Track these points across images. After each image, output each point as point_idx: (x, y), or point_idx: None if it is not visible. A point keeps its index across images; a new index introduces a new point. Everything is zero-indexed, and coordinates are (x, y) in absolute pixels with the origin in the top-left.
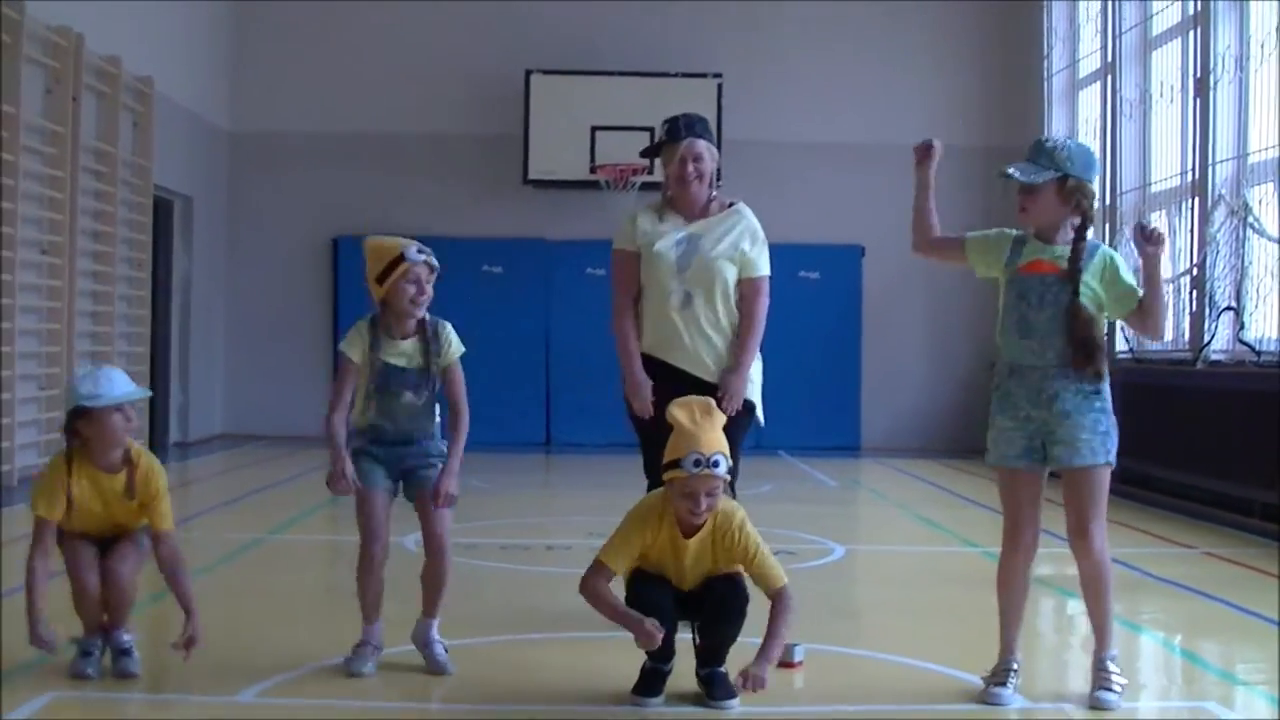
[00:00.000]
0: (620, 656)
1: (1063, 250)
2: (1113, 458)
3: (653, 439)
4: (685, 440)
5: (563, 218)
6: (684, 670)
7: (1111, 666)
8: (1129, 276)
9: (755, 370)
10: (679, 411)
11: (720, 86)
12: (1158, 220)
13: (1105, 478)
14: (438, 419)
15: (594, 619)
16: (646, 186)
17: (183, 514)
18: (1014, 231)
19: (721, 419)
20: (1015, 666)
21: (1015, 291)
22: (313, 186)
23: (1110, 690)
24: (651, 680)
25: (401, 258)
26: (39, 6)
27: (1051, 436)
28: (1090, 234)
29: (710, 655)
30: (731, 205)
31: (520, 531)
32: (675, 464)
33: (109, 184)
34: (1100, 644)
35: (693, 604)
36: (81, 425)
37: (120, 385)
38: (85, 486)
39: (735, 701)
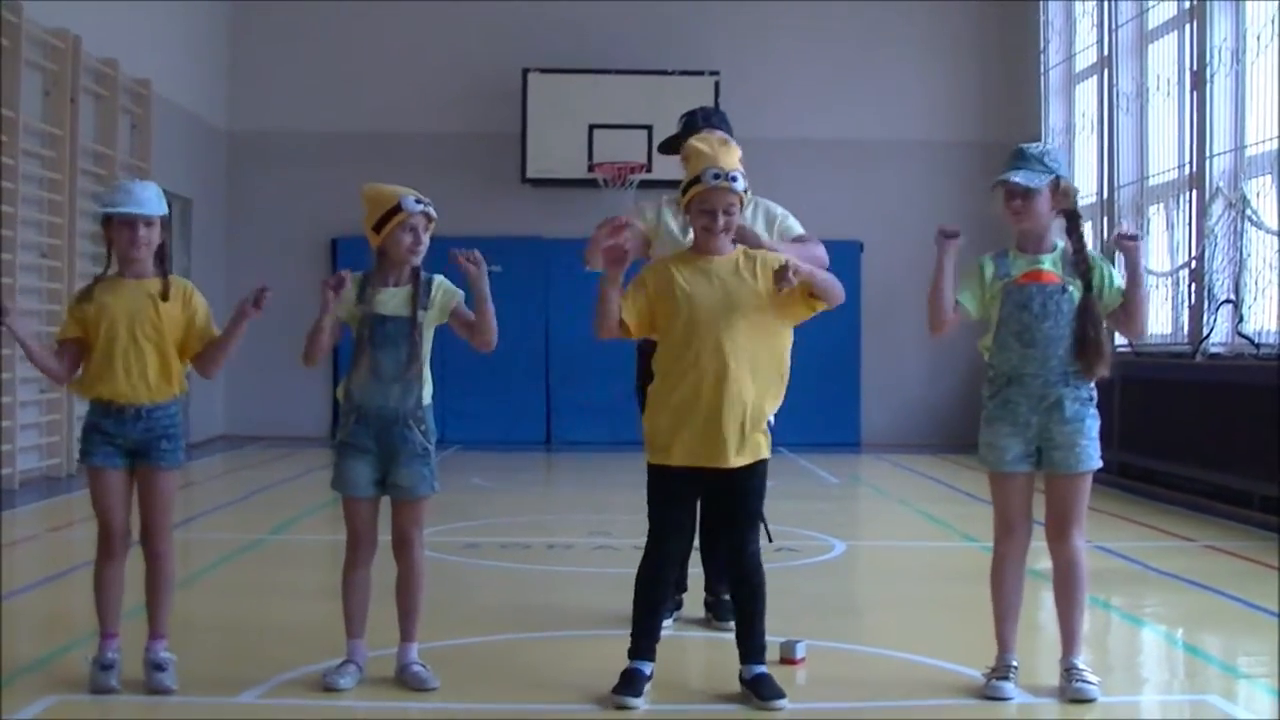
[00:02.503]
0: (623, 655)
1: (1053, 258)
2: (1100, 461)
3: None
4: (703, 160)
5: (561, 216)
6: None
7: (1082, 667)
8: (1115, 273)
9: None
10: (698, 141)
11: (717, 84)
12: (1155, 214)
13: (1090, 482)
14: (429, 399)
15: (595, 618)
16: (645, 184)
17: (184, 515)
18: (988, 255)
19: (739, 152)
20: (1015, 664)
21: (1014, 303)
22: (311, 186)
23: (1087, 682)
24: (633, 681)
25: (399, 207)
26: (37, 9)
27: (1051, 442)
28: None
29: (749, 649)
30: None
31: (521, 530)
32: (695, 181)
33: (108, 186)
34: (1071, 649)
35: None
36: (107, 231)
37: (143, 201)
38: (111, 292)
39: (784, 701)
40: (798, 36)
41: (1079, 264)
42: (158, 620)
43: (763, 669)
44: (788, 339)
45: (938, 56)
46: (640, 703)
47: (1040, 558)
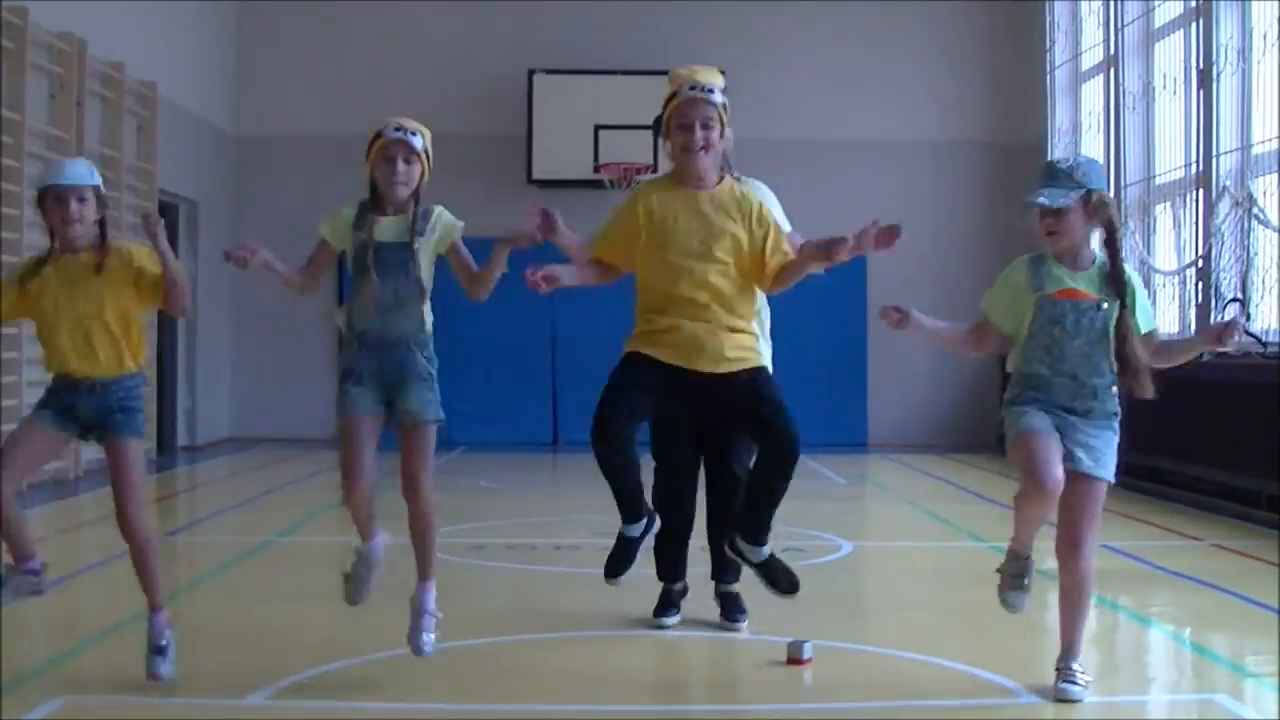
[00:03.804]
0: (630, 656)
1: (1089, 275)
2: (1115, 478)
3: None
4: (679, 78)
5: (567, 217)
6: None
7: (1075, 668)
8: (1147, 306)
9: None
10: (679, 67)
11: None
12: (1162, 213)
13: (1104, 496)
14: (430, 326)
15: (602, 619)
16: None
17: (191, 517)
18: (1024, 259)
19: (721, 79)
20: (1031, 564)
21: (1046, 316)
22: (318, 189)
23: (1074, 683)
24: (624, 549)
25: (379, 134)
26: (42, 13)
27: (1078, 440)
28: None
29: (754, 526)
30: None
31: (528, 531)
32: (672, 97)
33: (114, 189)
34: (1070, 654)
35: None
36: (43, 209)
37: (71, 173)
38: (50, 273)
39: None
40: (803, 36)
41: (1115, 280)
42: (152, 592)
43: (762, 551)
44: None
45: (943, 56)
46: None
47: (1047, 558)
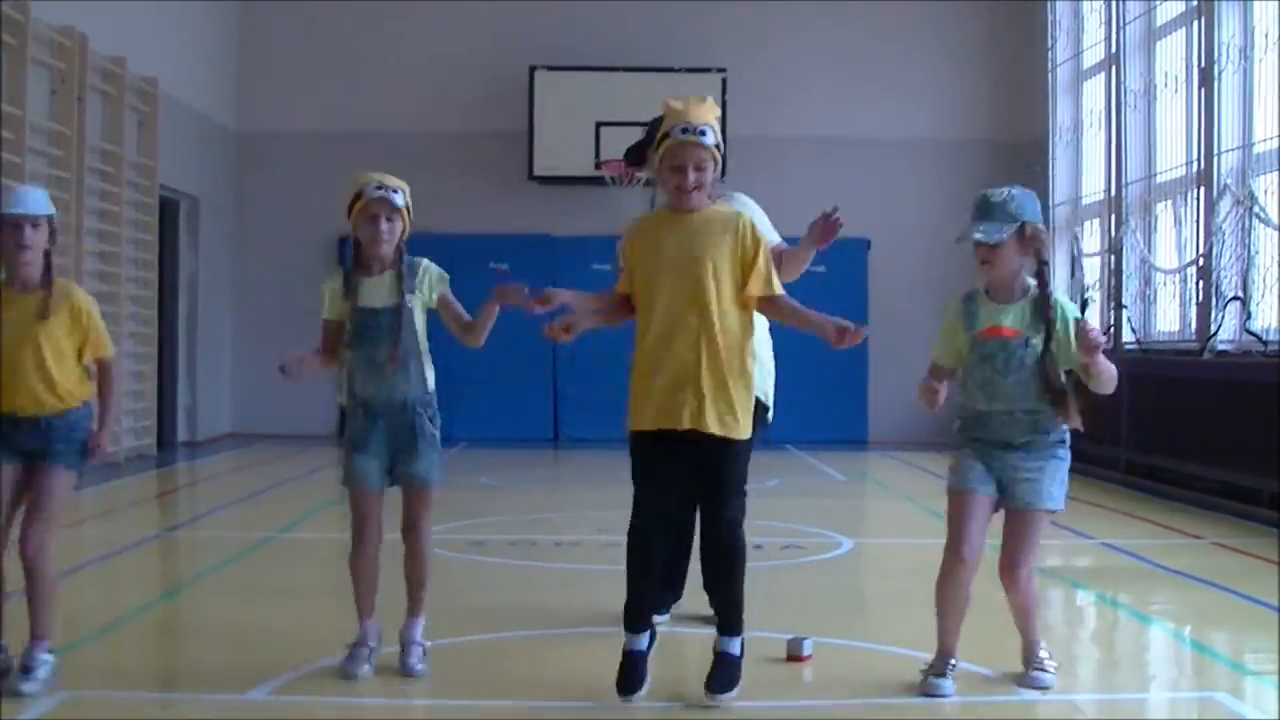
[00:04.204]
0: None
1: (1018, 310)
2: (1063, 505)
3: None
4: (674, 117)
5: (568, 214)
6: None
7: (1044, 654)
8: (1070, 335)
9: (768, 369)
10: (672, 99)
11: (724, 81)
12: (1163, 211)
13: (1045, 523)
14: (433, 384)
15: (603, 614)
16: (652, 182)
17: (192, 513)
18: (957, 298)
19: (715, 111)
20: (954, 663)
21: (978, 354)
22: (319, 185)
23: (1045, 670)
24: (632, 669)
25: (359, 194)
26: (43, 8)
27: (1016, 478)
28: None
29: (722, 620)
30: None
31: (529, 527)
32: (665, 137)
33: (115, 184)
34: (1032, 651)
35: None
36: None
37: (28, 201)
38: (9, 303)
39: (730, 695)
40: (805, 34)
41: (1043, 312)
42: (36, 621)
43: (732, 649)
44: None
45: (945, 54)
46: (639, 696)
47: (1051, 555)
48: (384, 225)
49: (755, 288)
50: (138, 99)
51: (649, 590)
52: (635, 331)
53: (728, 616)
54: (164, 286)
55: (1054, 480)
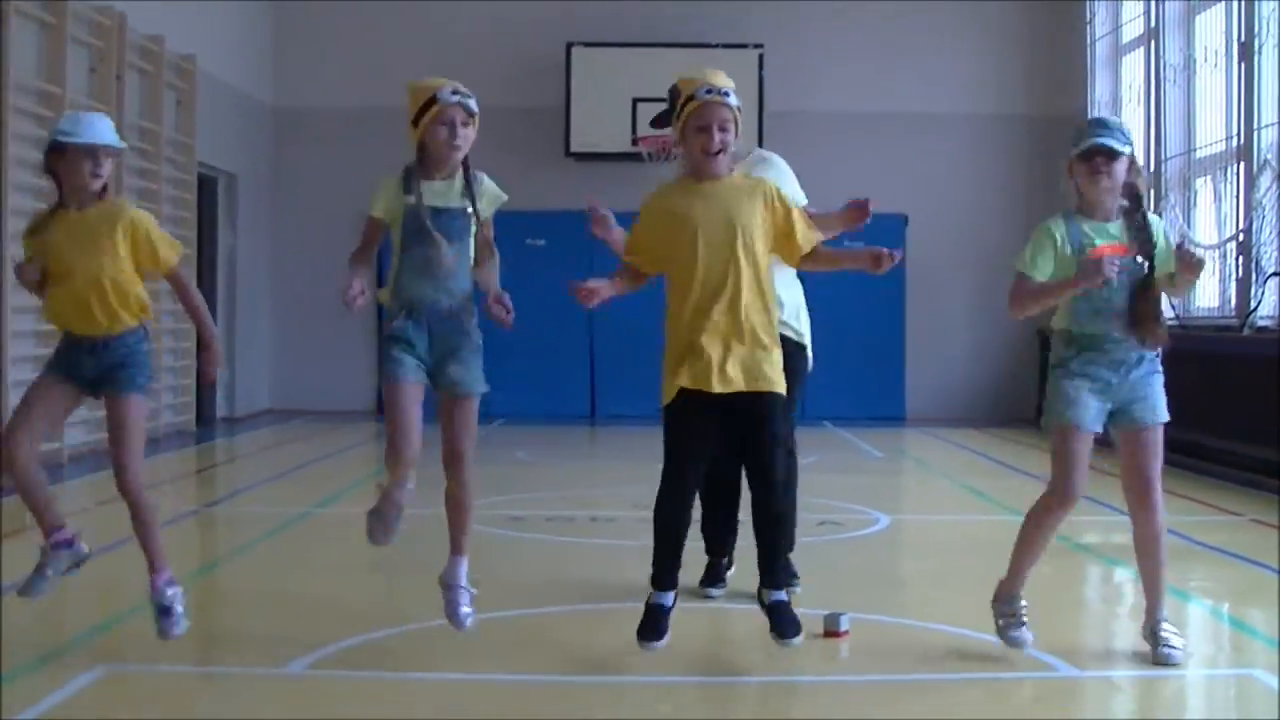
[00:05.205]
0: (670, 627)
1: (1116, 228)
2: (1169, 415)
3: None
4: (694, 82)
5: (605, 190)
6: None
7: (1169, 628)
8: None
9: (803, 313)
10: (686, 70)
11: (761, 57)
12: (1203, 186)
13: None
14: (474, 296)
15: (639, 590)
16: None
17: (231, 488)
18: (1057, 218)
19: (731, 83)
20: (1025, 604)
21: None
22: (356, 161)
23: (1175, 648)
24: (654, 620)
25: (434, 99)
26: None
27: (1130, 399)
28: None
29: (768, 572)
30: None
31: (565, 503)
32: (690, 99)
33: (154, 162)
34: (1158, 606)
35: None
36: (54, 160)
37: (97, 130)
38: (61, 230)
39: (799, 640)
40: (841, 9)
41: (1143, 237)
42: (150, 555)
43: (779, 596)
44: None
45: (983, 28)
46: (663, 644)
47: (1087, 531)
48: (460, 130)
49: (805, 245)
50: (176, 77)
51: (672, 554)
52: (668, 302)
53: (772, 572)
54: (202, 263)
55: (1160, 394)
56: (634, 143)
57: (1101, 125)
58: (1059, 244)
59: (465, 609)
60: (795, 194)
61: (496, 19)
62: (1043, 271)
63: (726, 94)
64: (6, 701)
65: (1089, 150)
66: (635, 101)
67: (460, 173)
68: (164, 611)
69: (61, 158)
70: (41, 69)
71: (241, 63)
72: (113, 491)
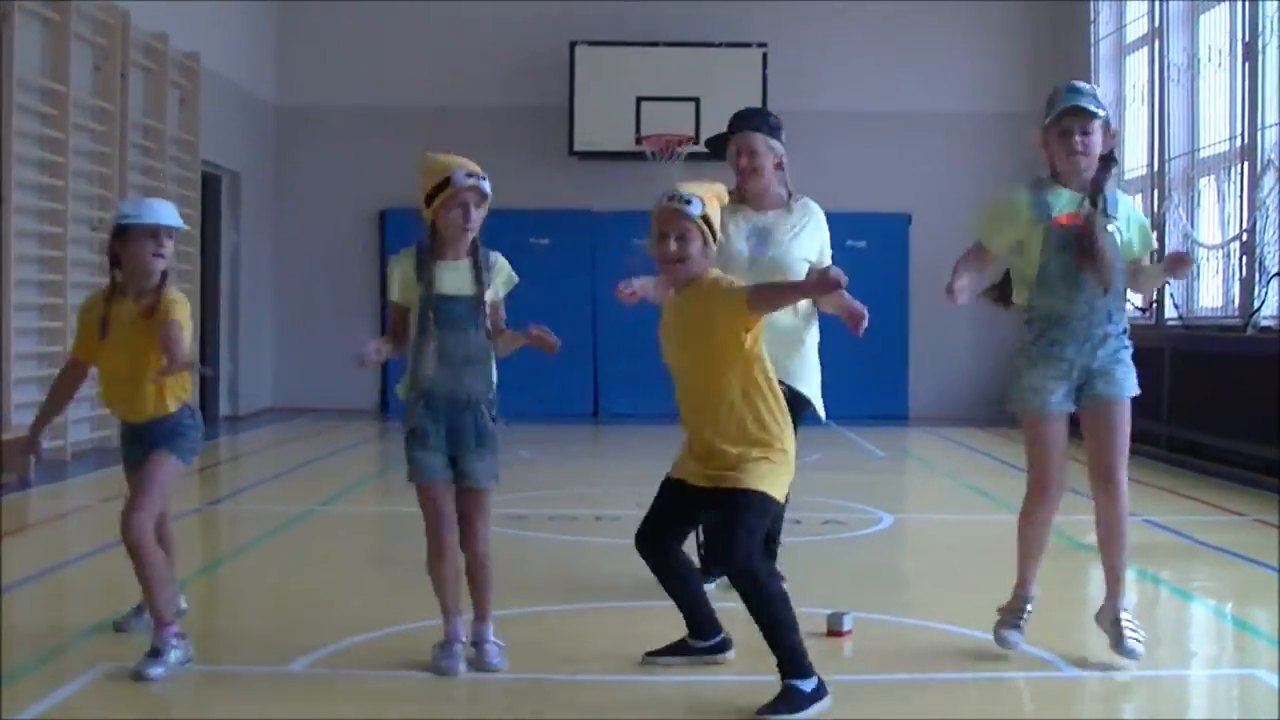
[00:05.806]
0: (668, 626)
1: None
2: (1138, 390)
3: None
4: (667, 189)
5: (609, 189)
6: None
7: (1130, 619)
8: (1149, 234)
9: (814, 363)
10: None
11: (765, 56)
12: (1206, 186)
13: (1131, 413)
14: (495, 379)
15: (642, 589)
16: (692, 157)
17: (234, 487)
18: (1020, 184)
19: (716, 189)
20: (1030, 607)
21: (1056, 244)
22: (359, 159)
23: (1137, 640)
24: (678, 648)
25: (447, 181)
26: None
27: (1094, 375)
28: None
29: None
30: (796, 199)
31: (569, 502)
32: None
33: (157, 160)
34: (1118, 593)
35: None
36: (118, 244)
37: (160, 212)
38: (115, 324)
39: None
40: (844, 8)
41: (1093, 198)
42: (150, 603)
43: (789, 682)
44: (754, 358)
45: (987, 27)
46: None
47: (1089, 532)
48: (474, 214)
49: (743, 309)
50: (179, 75)
51: (675, 600)
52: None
53: (778, 659)
54: (206, 261)
55: (1129, 368)
56: (638, 141)
57: (1074, 90)
58: (1016, 206)
59: (496, 660)
60: (825, 247)
61: (500, 18)
62: (996, 240)
63: (688, 201)
64: (6, 701)
65: (1062, 112)
66: (639, 100)
67: (470, 256)
68: (153, 652)
69: (124, 240)
70: (45, 66)
71: (245, 61)
72: (115, 489)
